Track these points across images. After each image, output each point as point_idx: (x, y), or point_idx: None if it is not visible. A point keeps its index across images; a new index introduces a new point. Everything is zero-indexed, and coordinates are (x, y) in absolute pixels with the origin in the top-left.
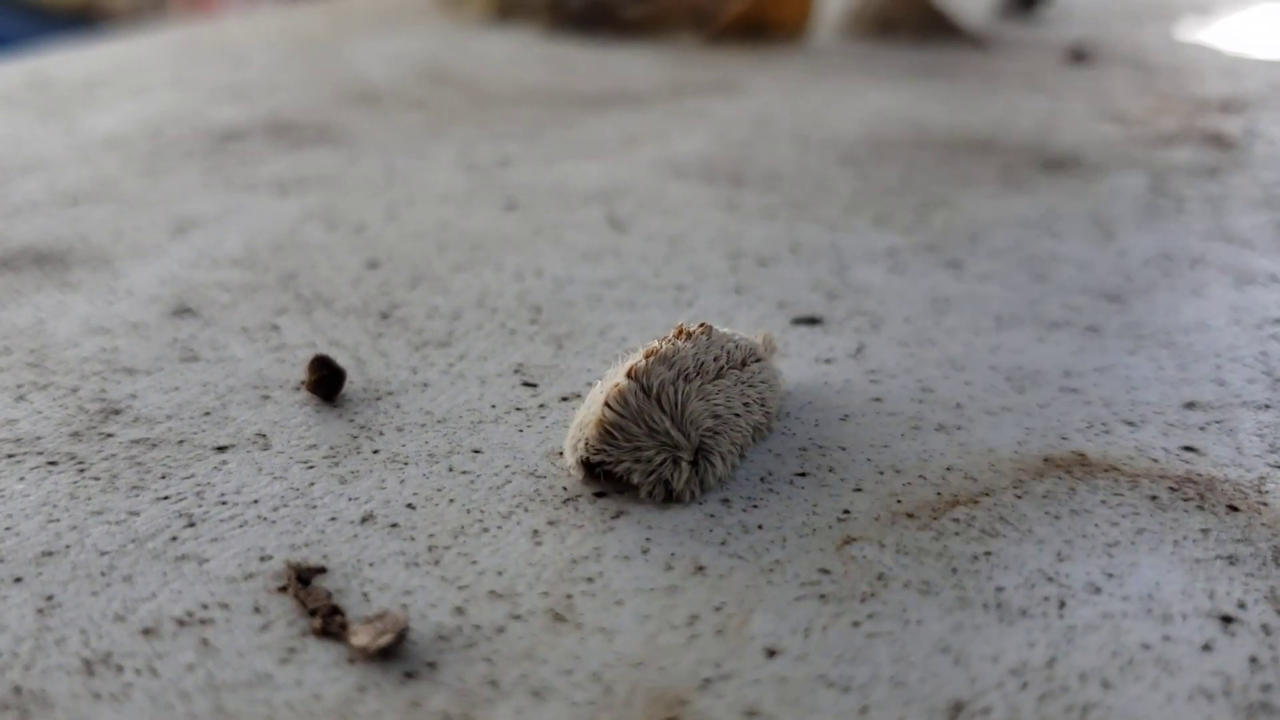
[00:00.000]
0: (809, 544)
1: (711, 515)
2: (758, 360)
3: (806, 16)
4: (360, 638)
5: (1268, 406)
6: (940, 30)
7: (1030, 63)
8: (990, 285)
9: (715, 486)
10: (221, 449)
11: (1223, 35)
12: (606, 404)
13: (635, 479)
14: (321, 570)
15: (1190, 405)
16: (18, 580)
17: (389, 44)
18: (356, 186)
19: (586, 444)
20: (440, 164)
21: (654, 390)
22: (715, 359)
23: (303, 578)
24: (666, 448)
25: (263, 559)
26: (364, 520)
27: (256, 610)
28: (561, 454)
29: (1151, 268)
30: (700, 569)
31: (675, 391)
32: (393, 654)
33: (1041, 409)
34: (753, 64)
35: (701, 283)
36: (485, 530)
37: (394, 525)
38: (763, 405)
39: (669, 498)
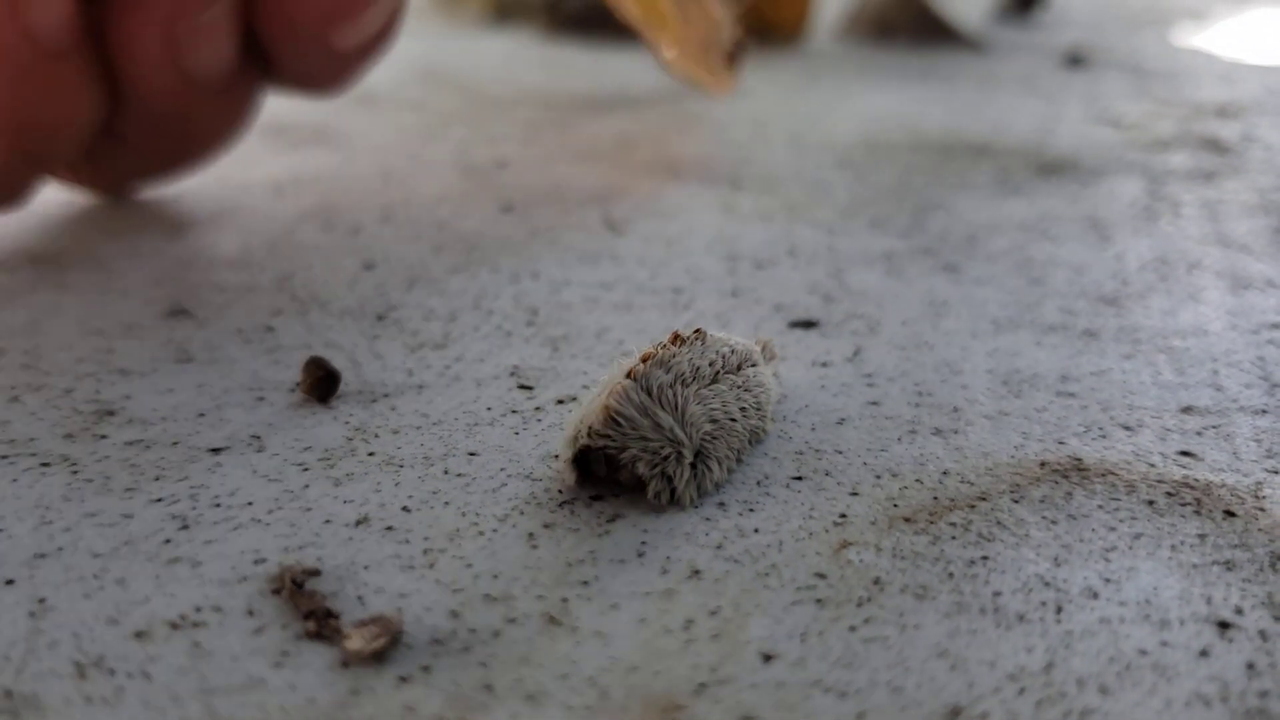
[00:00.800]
0: (805, 548)
1: (707, 519)
2: (753, 365)
3: (803, 19)
4: (354, 641)
5: (1264, 411)
6: (937, 33)
7: (1027, 66)
8: (987, 289)
9: (712, 492)
10: (216, 451)
11: (1219, 40)
12: (610, 397)
13: (640, 469)
14: (316, 573)
15: (1187, 410)
16: (9, 583)
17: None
18: (353, 187)
19: (590, 431)
20: (437, 165)
21: (653, 392)
22: (711, 364)
23: (297, 581)
24: (671, 443)
25: (256, 562)
26: (359, 523)
27: (250, 613)
28: (557, 457)
29: (1148, 272)
30: (696, 573)
31: (674, 395)
32: (387, 658)
33: (1038, 413)
34: (750, 66)
35: (698, 285)
36: (481, 533)
37: (389, 528)
38: (759, 410)
39: (672, 498)
